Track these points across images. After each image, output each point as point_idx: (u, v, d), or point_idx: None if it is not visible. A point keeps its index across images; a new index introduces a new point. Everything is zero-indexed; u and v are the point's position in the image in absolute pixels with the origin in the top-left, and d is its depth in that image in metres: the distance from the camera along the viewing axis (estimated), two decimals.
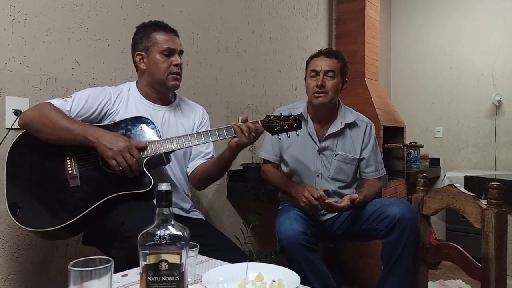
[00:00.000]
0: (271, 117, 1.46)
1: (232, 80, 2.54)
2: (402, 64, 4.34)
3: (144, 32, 1.54)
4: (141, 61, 1.54)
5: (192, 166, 1.65)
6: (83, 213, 1.27)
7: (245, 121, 1.42)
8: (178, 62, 1.52)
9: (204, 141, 1.42)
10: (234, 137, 1.42)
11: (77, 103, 1.43)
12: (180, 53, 1.55)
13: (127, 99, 1.54)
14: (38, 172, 1.35)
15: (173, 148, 1.40)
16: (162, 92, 1.58)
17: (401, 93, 4.33)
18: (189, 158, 1.66)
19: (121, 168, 1.29)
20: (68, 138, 1.32)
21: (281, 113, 1.49)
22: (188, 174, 1.66)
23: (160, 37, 1.51)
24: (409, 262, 1.53)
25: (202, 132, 1.43)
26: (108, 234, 1.28)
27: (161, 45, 1.50)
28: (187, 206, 1.62)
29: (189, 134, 1.42)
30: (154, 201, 1.26)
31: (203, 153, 1.66)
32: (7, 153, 1.36)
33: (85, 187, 1.33)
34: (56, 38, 1.69)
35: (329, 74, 1.78)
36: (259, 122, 1.44)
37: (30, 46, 1.61)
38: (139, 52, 1.54)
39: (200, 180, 1.64)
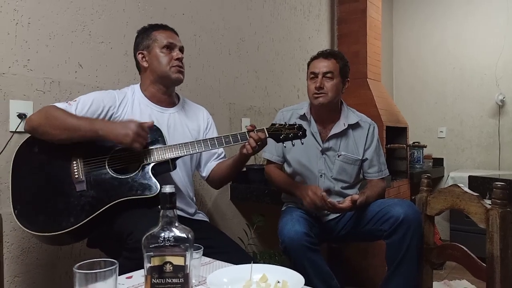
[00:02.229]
0: (277, 125, 1.50)
1: (235, 82, 2.54)
2: (405, 64, 4.33)
3: (145, 33, 1.58)
4: (143, 59, 1.56)
5: (208, 168, 1.69)
6: (89, 218, 1.27)
7: (252, 130, 1.46)
8: (179, 56, 1.55)
9: (210, 148, 1.46)
10: (243, 145, 1.47)
11: (81, 106, 1.42)
12: (181, 49, 1.58)
13: (132, 103, 1.54)
14: (44, 176, 1.35)
15: (180, 154, 1.42)
16: (167, 88, 1.59)
17: (404, 93, 4.32)
18: (196, 162, 1.68)
19: (144, 145, 1.34)
20: (77, 136, 1.33)
21: (286, 122, 1.53)
22: (205, 176, 1.71)
23: (160, 34, 1.56)
24: (413, 262, 1.52)
25: (209, 139, 1.46)
26: (114, 240, 1.29)
27: (161, 41, 1.54)
28: (191, 210, 1.62)
29: (196, 141, 1.45)
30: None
31: (216, 154, 1.70)
32: (14, 156, 1.36)
33: (92, 191, 1.33)
34: (59, 41, 1.70)
35: (328, 75, 1.78)
36: (265, 130, 1.47)
37: (34, 49, 1.62)
38: (140, 51, 1.57)
39: (218, 182, 1.70)
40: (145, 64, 1.56)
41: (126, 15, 1.93)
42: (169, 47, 1.54)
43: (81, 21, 1.77)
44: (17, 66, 1.57)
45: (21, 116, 1.55)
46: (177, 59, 1.54)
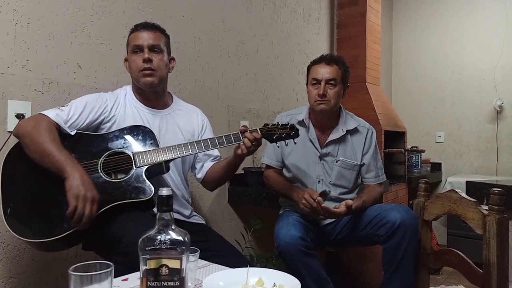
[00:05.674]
0: (270, 125, 1.50)
1: (234, 85, 2.54)
2: (404, 68, 4.34)
3: (128, 37, 1.56)
4: (127, 65, 1.56)
5: (203, 170, 1.66)
6: None
7: (244, 131, 1.45)
8: (145, 56, 1.47)
9: (204, 150, 1.44)
10: (237, 146, 1.45)
11: (73, 111, 1.41)
12: (150, 47, 1.48)
13: (124, 105, 1.53)
14: (36, 181, 1.32)
15: (173, 156, 1.40)
16: (148, 94, 1.55)
17: (403, 98, 4.33)
18: (190, 163, 1.67)
19: (74, 213, 1.20)
20: (47, 162, 1.27)
21: (278, 122, 1.54)
22: (200, 178, 1.68)
23: (131, 37, 1.53)
24: (410, 267, 1.52)
25: (202, 140, 1.44)
26: (106, 244, 1.27)
27: (131, 44, 1.51)
28: (187, 212, 1.61)
29: (189, 143, 1.43)
30: (155, 209, 1.25)
31: (212, 156, 1.68)
32: (3, 161, 1.33)
33: None
34: (59, 42, 1.70)
35: (331, 82, 1.77)
36: (258, 131, 1.46)
37: (33, 50, 1.62)
38: (125, 58, 1.57)
39: (212, 183, 1.68)
40: (127, 70, 1.56)
41: (126, 16, 1.93)
42: (138, 49, 1.49)
43: (81, 22, 1.77)
44: (16, 66, 1.57)
45: (19, 116, 1.54)
46: (144, 60, 1.47)
